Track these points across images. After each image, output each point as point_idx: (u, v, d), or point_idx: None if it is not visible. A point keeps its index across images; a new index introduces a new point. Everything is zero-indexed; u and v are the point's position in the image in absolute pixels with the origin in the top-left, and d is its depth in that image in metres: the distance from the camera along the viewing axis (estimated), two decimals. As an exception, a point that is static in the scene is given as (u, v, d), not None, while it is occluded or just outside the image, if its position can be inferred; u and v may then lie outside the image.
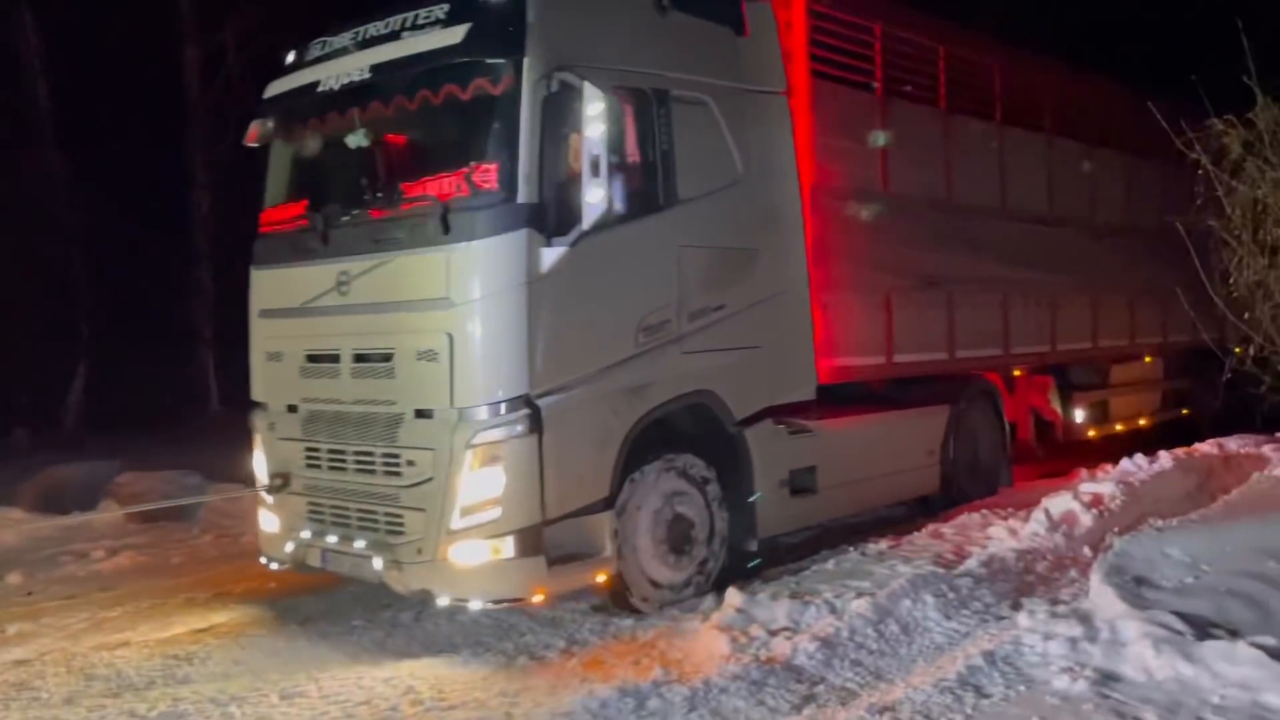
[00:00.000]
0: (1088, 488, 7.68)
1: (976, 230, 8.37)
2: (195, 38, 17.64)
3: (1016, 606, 5.34)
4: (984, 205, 8.54)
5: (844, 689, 4.52)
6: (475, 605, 5.37)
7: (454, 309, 5.30)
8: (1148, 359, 11.00)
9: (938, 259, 7.98)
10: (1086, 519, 7.01)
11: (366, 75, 5.77)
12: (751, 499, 6.45)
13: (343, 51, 6.02)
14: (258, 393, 6.48)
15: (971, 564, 6.06)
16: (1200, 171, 6.45)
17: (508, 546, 5.24)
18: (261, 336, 6.43)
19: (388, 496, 5.59)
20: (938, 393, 8.27)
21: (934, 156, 8.09)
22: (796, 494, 6.83)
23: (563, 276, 5.37)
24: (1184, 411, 11.63)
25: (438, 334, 5.33)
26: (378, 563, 5.54)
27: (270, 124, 6.36)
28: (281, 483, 6.17)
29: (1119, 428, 10.49)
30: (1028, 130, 9.07)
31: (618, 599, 5.88)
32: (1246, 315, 6.41)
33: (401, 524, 5.53)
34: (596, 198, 5.26)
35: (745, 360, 6.47)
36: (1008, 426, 9.01)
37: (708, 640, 5.18)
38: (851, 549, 6.88)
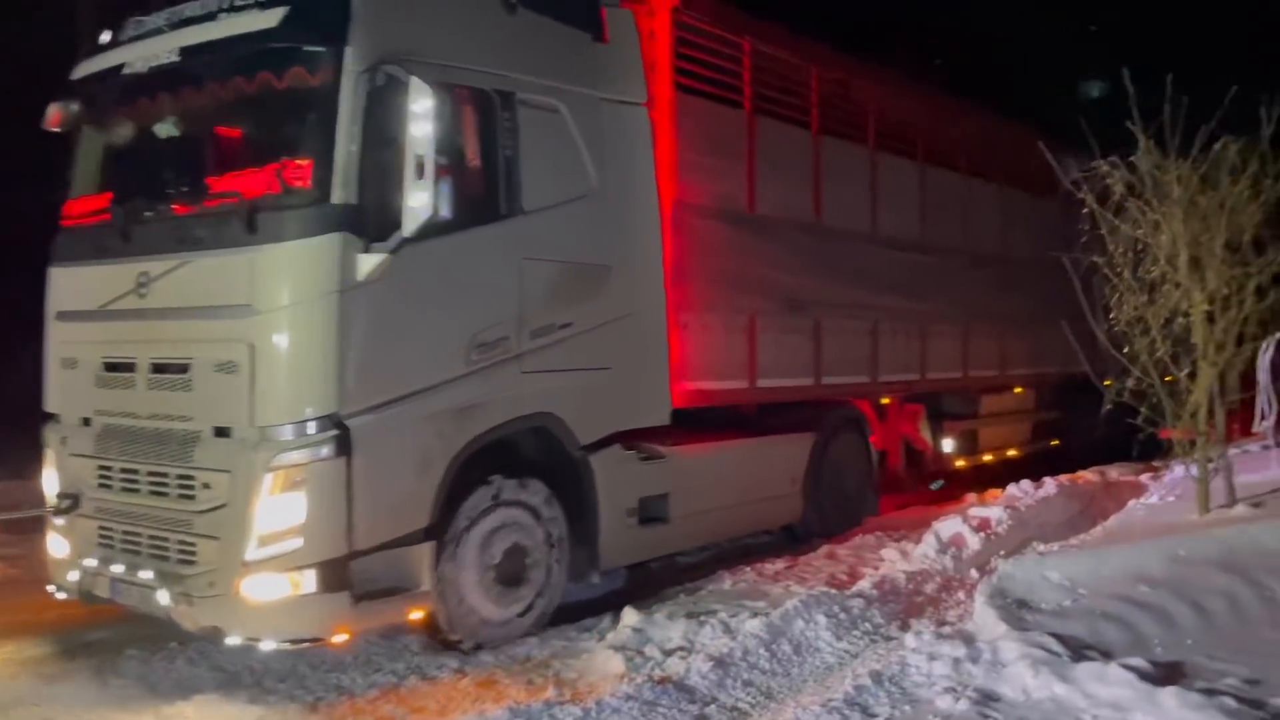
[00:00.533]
0: (976, 512, 7.92)
1: (846, 255, 8.22)
2: (90, 35, 16.60)
3: (905, 627, 5.45)
4: (854, 230, 8.40)
5: (735, 708, 4.52)
6: (268, 646, 4.88)
7: (257, 317, 4.83)
8: (1018, 390, 11.07)
9: (805, 283, 7.79)
10: (974, 542, 7.17)
11: (176, 58, 5.27)
12: (596, 528, 6.11)
13: (156, 32, 5.51)
14: (52, 403, 5.90)
15: (864, 585, 6.12)
16: (1085, 210, 6.51)
17: (308, 580, 4.78)
18: (57, 341, 5.85)
19: (181, 522, 5.07)
20: (803, 419, 8.07)
21: (803, 178, 7.91)
22: (646, 523, 6.52)
23: (382, 286, 4.94)
24: (1054, 443, 11.75)
25: (238, 344, 4.86)
26: (164, 595, 5.01)
27: (75, 108, 5.81)
28: (70, 503, 5.60)
29: (988, 458, 10.52)
30: (901, 157, 8.99)
31: (438, 636, 5.45)
32: (1125, 349, 6.47)
33: (194, 553, 5.01)
34: (420, 202, 4.85)
35: (593, 382, 6.13)
36: (875, 455, 8.87)
37: (603, 660, 5.17)
38: (748, 569, 6.95)
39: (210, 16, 5.26)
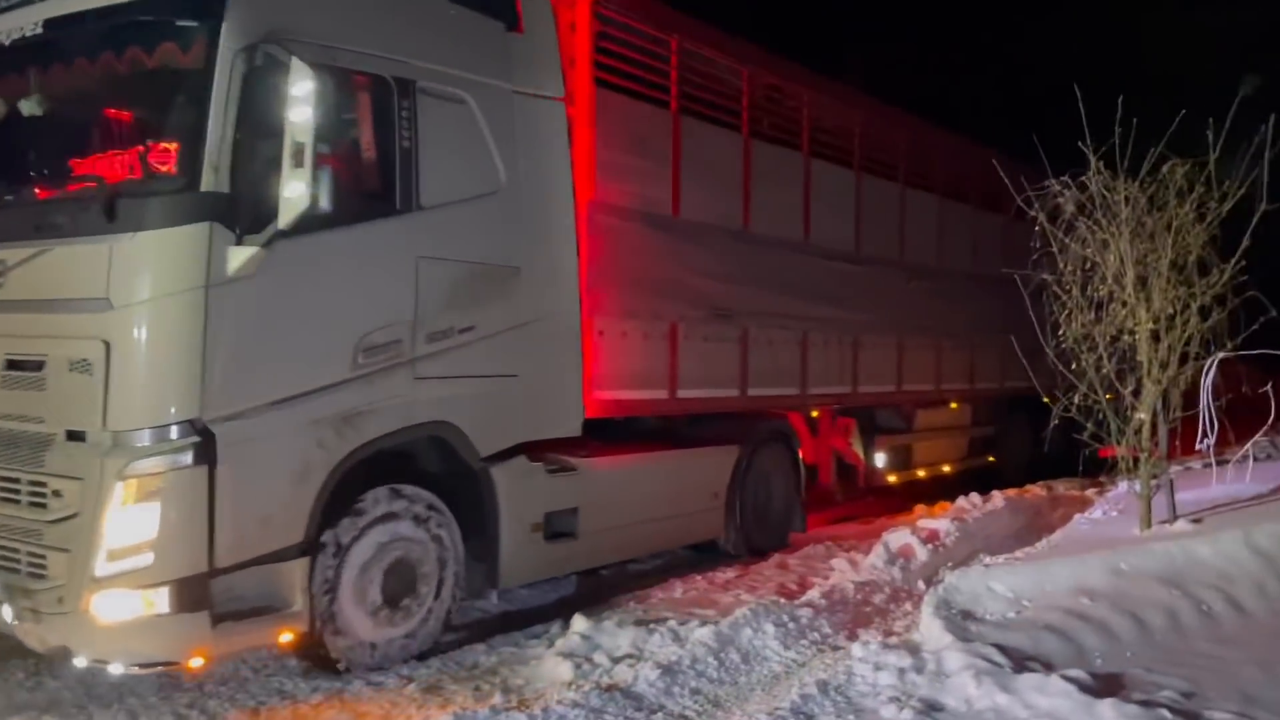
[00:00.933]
0: (925, 523, 7.86)
1: (776, 263, 7.98)
2: None
3: (852, 637, 5.47)
4: (785, 238, 8.16)
5: (683, 716, 4.50)
6: (116, 669, 4.50)
7: (113, 313, 4.46)
8: (954, 405, 10.91)
9: (731, 290, 7.53)
10: (923, 553, 7.20)
11: (39, 31, 4.89)
12: (496, 543, 5.79)
13: (23, 2, 5.11)
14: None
15: (813, 595, 6.16)
16: (1037, 228, 6.54)
17: (162, 599, 4.40)
18: None
19: (32, 532, 4.66)
20: (727, 432, 7.81)
21: (732, 183, 7.65)
22: (553, 539, 6.20)
23: (255, 282, 4.59)
24: (990, 459, 11.62)
25: (93, 341, 4.48)
26: (8, 611, 4.60)
27: None
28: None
29: (921, 474, 10.34)
30: (836, 165, 8.77)
31: (313, 658, 5.10)
32: (1074, 366, 6.50)
33: (44, 566, 4.60)
34: (297, 193, 4.49)
35: (497, 390, 5.81)
36: (804, 469, 8.63)
37: (550, 666, 5.17)
38: (700, 577, 7.03)
39: None
